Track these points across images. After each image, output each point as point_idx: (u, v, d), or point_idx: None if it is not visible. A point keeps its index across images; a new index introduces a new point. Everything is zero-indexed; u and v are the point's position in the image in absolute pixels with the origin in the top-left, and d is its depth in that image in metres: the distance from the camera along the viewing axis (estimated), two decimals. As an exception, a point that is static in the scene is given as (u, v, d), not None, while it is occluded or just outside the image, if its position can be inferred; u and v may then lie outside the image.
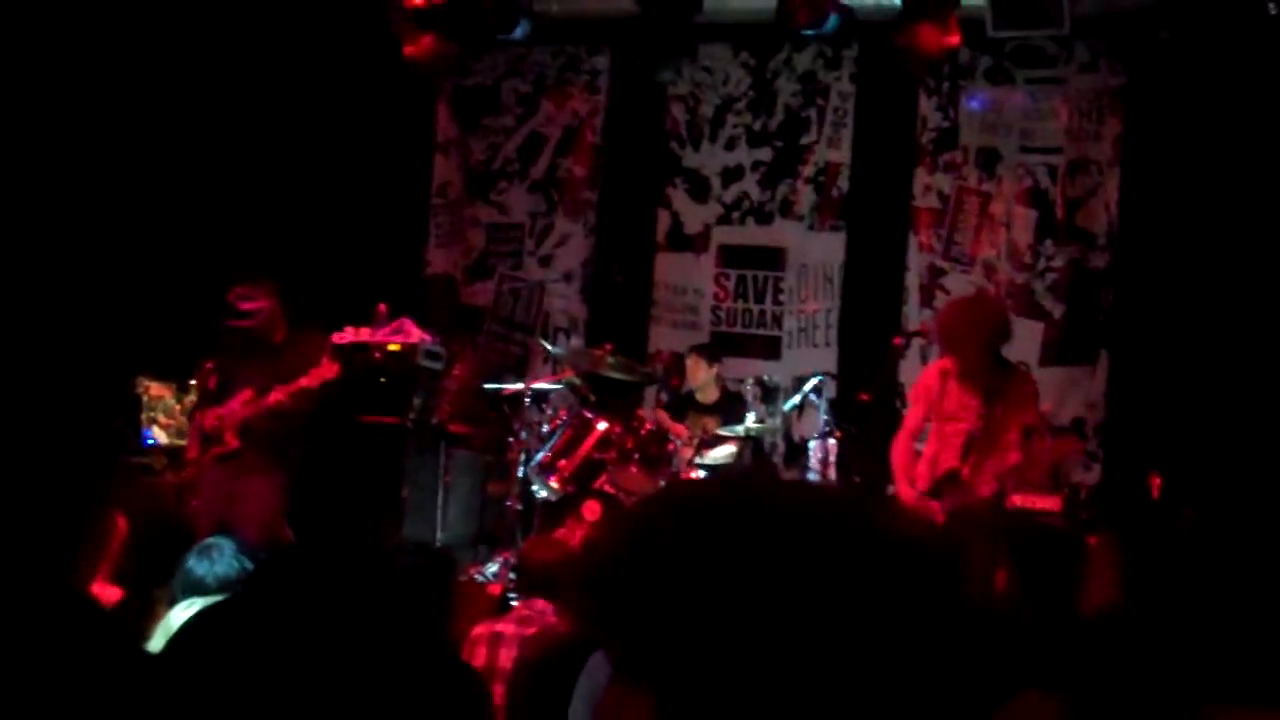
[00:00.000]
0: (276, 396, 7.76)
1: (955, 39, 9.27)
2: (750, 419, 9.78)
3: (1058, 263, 10.00)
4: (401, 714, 3.28)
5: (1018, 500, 7.38)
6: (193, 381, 8.52)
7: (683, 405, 10.04)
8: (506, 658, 5.28)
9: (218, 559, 4.86)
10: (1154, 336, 9.54)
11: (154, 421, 9.52)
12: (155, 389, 9.59)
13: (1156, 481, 7.94)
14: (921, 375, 8.01)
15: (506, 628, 5.49)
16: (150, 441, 9.51)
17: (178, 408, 9.37)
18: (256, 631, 3.30)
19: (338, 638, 3.28)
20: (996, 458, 7.35)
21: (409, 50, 10.37)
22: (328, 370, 7.85)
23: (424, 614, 4.15)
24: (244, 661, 3.24)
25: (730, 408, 9.85)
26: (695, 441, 9.42)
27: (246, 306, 7.80)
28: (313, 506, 3.55)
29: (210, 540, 5.04)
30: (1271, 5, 8.66)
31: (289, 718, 3.17)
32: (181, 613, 4.52)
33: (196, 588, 4.77)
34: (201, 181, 10.55)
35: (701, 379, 10.01)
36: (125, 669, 3.05)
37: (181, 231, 10.38)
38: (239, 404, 7.88)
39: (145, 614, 4.95)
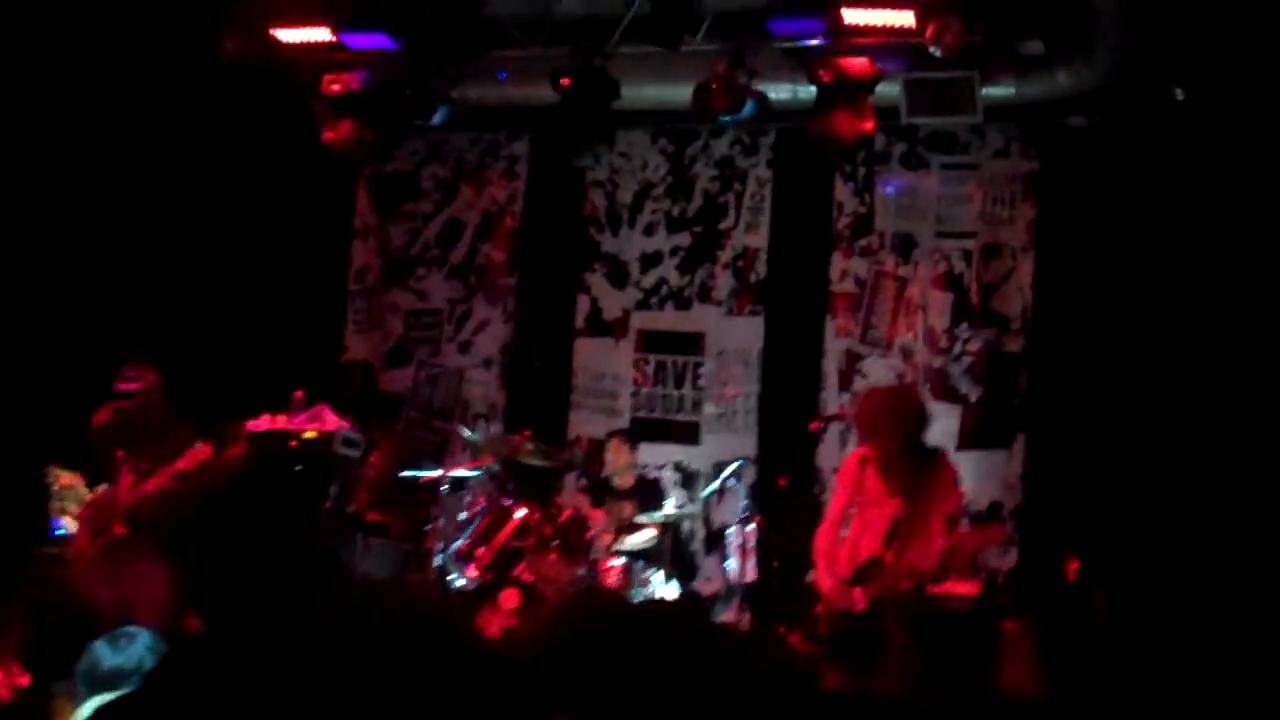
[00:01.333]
0: (157, 481, 7.65)
1: (870, 125, 9.36)
2: (670, 504, 9.77)
3: (973, 346, 10.07)
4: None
5: (936, 587, 7.38)
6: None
7: (600, 491, 10.00)
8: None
9: (128, 648, 4.73)
10: (1069, 419, 9.60)
11: (64, 511, 9.34)
12: (65, 478, 9.40)
13: (1073, 565, 7.96)
14: (843, 464, 8.03)
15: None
16: (59, 532, 9.33)
17: (89, 496, 9.18)
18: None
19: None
20: (919, 544, 7.35)
21: (327, 136, 10.37)
22: (202, 452, 7.75)
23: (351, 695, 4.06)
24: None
25: (646, 493, 9.83)
26: (614, 528, 9.37)
27: (126, 387, 7.70)
28: (226, 593, 3.47)
29: (124, 630, 4.91)
30: (1178, 92, 8.81)
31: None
32: (88, 711, 4.39)
33: (105, 679, 4.64)
34: (116, 265, 10.45)
35: (621, 464, 9.98)
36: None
37: (93, 317, 10.26)
38: (123, 490, 7.77)
39: (45, 709, 4.81)
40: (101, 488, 8.67)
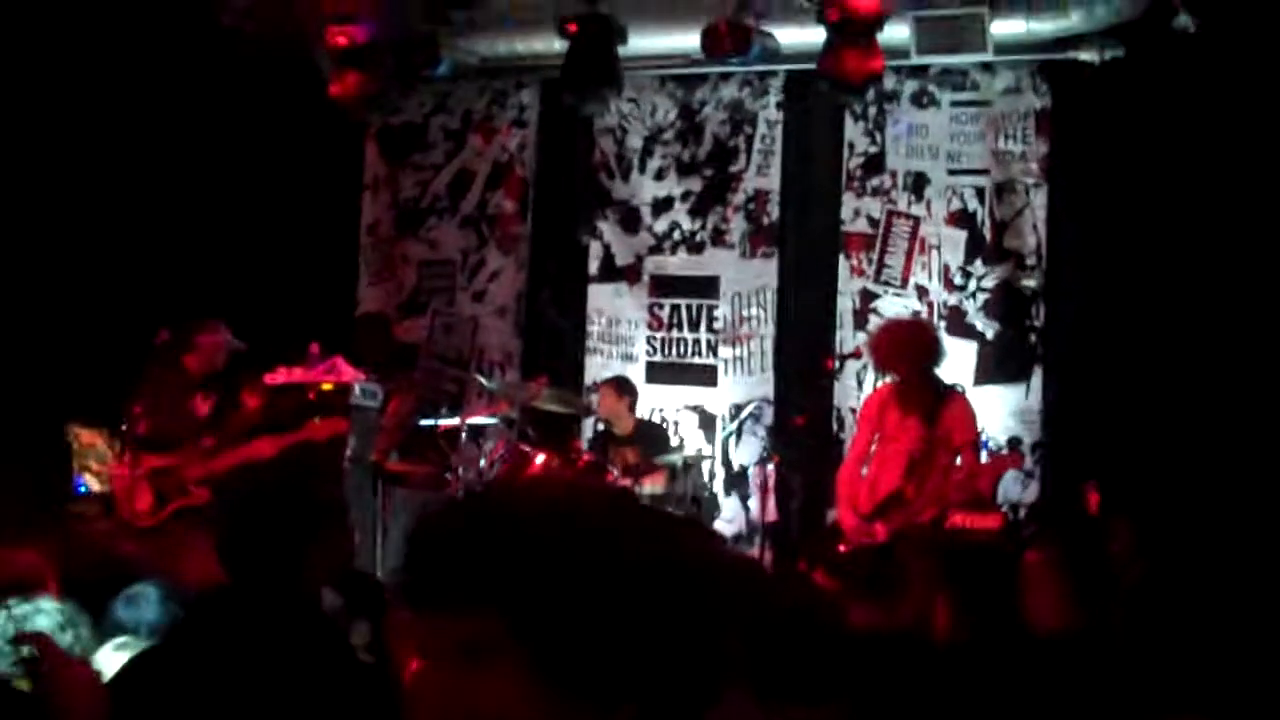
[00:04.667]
0: (261, 448, 7.71)
1: (879, 64, 9.32)
2: (678, 447, 9.84)
3: (988, 283, 10.06)
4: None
5: (958, 520, 7.44)
6: (123, 427, 8.41)
7: (602, 439, 10.05)
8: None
9: (145, 606, 4.77)
10: (1086, 352, 9.61)
11: (85, 469, 9.39)
12: (86, 436, 9.46)
13: (1093, 496, 7.98)
14: (864, 403, 8.15)
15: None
16: (82, 489, 9.39)
17: (110, 454, 9.23)
18: (191, 675, 3.25)
19: (273, 676, 3.23)
20: (937, 477, 7.43)
21: (334, 89, 10.35)
22: (320, 428, 7.84)
23: (354, 644, 4.11)
24: (180, 706, 3.19)
25: (648, 438, 9.87)
26: (619, 474, 9.38)
27: (203, 344, 7.79)
28: (240, 545, 3.50)
29: (136, 588, 4.95)
30: (1190, 23, 8.76)
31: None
32: (109, 654, 4.44)
33: (119, 633, 4.68)
34: (130, 224, 10.47)
35: (610, 411, 10.04)
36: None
37: (109, 274, 10.29)
38: (194, 452, 7.82)
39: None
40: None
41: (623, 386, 10.14)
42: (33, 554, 5.78)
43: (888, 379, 8.37)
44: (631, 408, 10.11)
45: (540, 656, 1.56)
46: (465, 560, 1.59)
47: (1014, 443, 9.71)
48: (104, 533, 8.12)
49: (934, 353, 7.71)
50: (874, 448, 7.79)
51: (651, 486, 9.45)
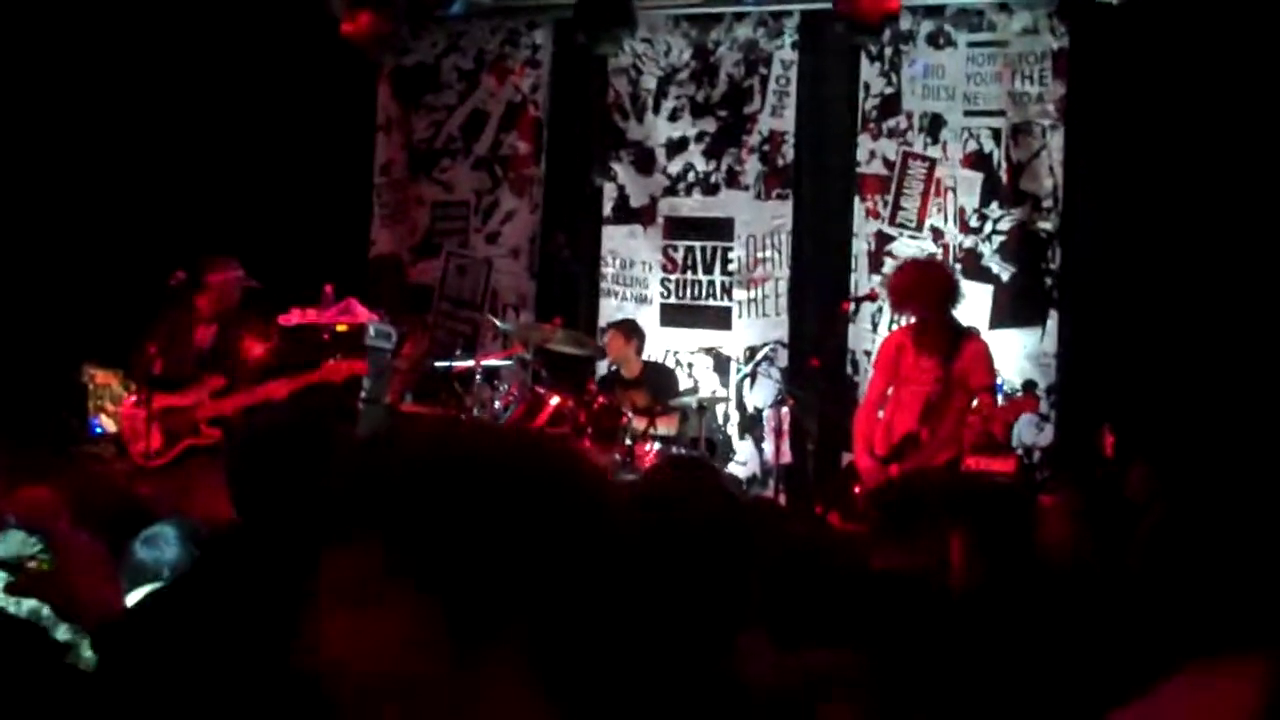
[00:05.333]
0: (276, 389, 7.71)
1: (895, 4, 9.26)
2: (689, 390, 9.85)
3: (1004, 225, 10.01)
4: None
5: (972, 463, 7.45)
6: (136, 367, 8.41)
7: (611, 382, 10.04)
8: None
9: (165, 546, 4.78)
10: (1103, 295, 9.56)
11: (101, 409, 9.40)
12: (101, 376, 9.46)
13: (1109, 439, 7.97)
14: (880, 347, 8.15)
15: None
16: (98, 430, 9.40)
17: (125, 394, 9.24)
18: (206, 613, 3.25)
19: (289, 617, 3.23)
20: (953, 420, 7.44)
21: (346, 28, 10.30)
22: (334, 369, 7.83)
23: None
24: (195, 644, 3.19)
25: (656, 380, 9.87)
26: (644, 412, 9.38)
27: (216, 283, 7.79)
28: (251, 485, 3.49)
29: (154, 529, 4.96)
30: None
31: (241, 699, 3.12)
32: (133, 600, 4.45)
33: (146, 576, 4.70)
34: (142, 165, 10.46)
35: (619, 354, 10.04)
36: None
37: (122, 215, 10.28)
38: (207, 393, 7.81)
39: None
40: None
41: (631, 330, 10.13)
42: (46, 492, 5.80)
43: (904, 321, 8.36)
44: (639, 351, 10.10)
45: (421, 581, 1.61)
46: (349, 492, 1.67)
47: (1029, 386, 9.69)
48: (120, 473, 8.13)
49: (952, 293, 7.71)
50: (890, 390, 7.79)
51: (665, 428, 9.47)
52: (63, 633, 3.58)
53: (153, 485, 7.55)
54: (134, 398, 8.25)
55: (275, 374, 8.20)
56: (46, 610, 3.58)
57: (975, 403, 7.43)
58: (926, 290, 7.64)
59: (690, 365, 10.73)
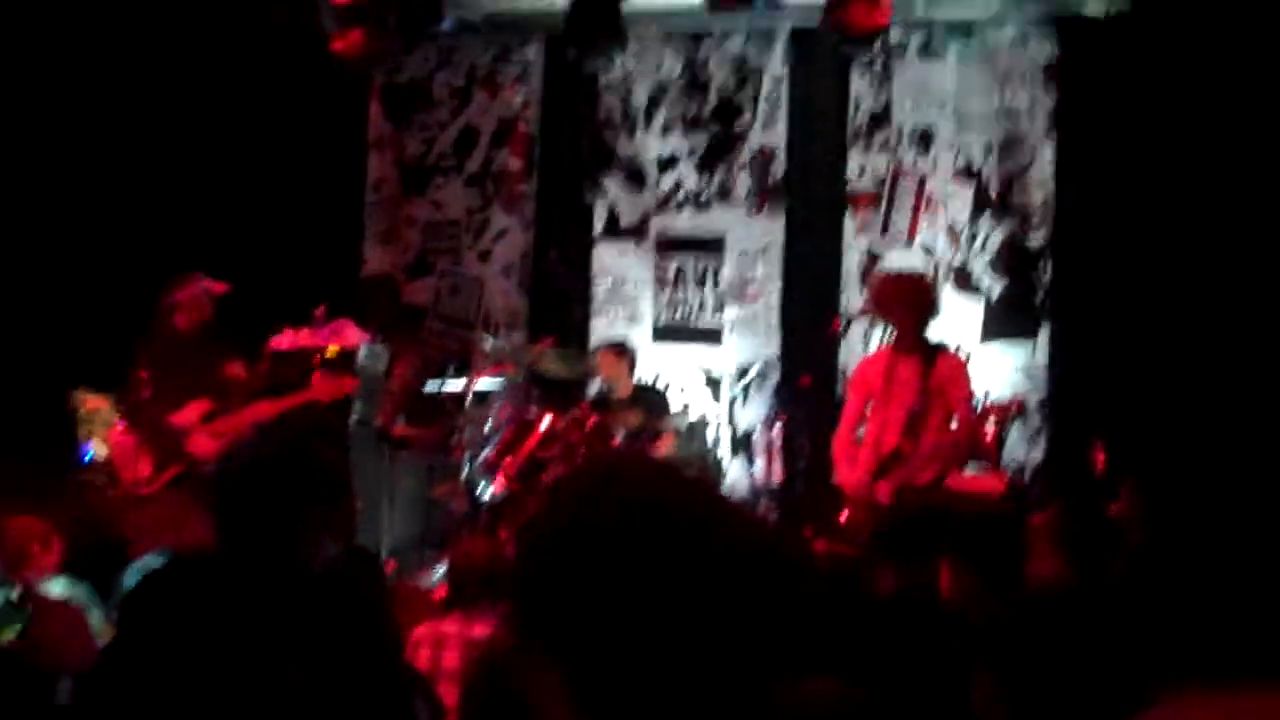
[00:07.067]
0: (264, 410, 7.69)
1: (885, 17, 9.25)
2: (679, 410, 9.82)
3: (995, 239, 10.00)
4: (337, 716, 3.22)
5: (960, 483, 7.47)
6: (126, 394, 8.40)
7: (604, 402, 10.02)
8: (450, 659, 5.26)
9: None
10: (1093, 310, 9.54)
11: (92, 435, 9.38)
12: (92, 401, 9.44)
13: (1100, 455, 7.96)
14: (856, 369, 8.23)
15: (449, 628, 5.45)
16: (89, 456, 9.37)
17: (115, 420, 9.22)
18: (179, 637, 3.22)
19: (262, 645, 3.20)
20: (934, 433, 7.49)
21: (337, 46, 10.28)
22: (323, 388, 7.82)
23: (352, 616, 4.09)
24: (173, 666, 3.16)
25: (648, 401, 9.84)
26: (637, 433, 9.36)
27: (178, 297, 7.77)
28: (231, 513, 3.48)
29: (145, 560, 4.96)
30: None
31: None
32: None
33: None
34: (134, 186, 10.45)
35: (610, 374, 10.01)
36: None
37: (112, 237, 10.27)
38: (195, 416, 7.80)
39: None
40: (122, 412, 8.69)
41: (622, 350, 10.11)
42: (39, 522, 5.79)
43: (885, 343, 8.41)
44: (631, 371, 10.07)
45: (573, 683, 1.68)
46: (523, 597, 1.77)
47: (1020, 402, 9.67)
48: (110, 501, 8.13)
49: (930, 305, 7.84)
50: (869, 411, 7.83)
51: (665, 448, 9.46)
52: None
53: (143, 513, 7.55)
54: (124, 423, 8.24)
55: (264, 396, 8.19)
56: None
57: (954, 423, 7.49)
58: (906, 299, 7.74)
59: (682, 388, 10.65)
